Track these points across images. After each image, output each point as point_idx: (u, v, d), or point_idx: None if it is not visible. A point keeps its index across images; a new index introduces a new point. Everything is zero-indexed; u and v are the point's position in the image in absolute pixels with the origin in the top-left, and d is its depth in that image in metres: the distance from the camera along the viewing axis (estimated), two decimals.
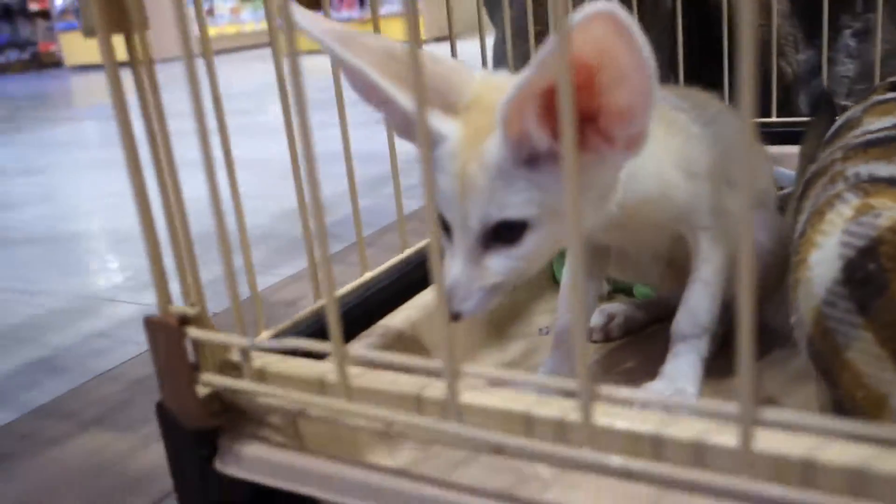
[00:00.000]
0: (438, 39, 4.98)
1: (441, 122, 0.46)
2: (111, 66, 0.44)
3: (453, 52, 0.75)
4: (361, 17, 5.87)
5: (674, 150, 0.55)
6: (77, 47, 6.25)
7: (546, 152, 0.43)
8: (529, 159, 0.44)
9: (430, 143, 0.32)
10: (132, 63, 0.45)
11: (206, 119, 0.42)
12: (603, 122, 0.42)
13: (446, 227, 0.47)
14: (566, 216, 0.46)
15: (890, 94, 0.68)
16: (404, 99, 0.45)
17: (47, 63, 6.87)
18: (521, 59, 0.96)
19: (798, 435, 0.33)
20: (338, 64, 0.43)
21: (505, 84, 0.48)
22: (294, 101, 0.37)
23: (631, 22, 0.35)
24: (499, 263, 0.46)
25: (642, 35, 0.36)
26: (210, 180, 0.42)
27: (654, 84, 0.38)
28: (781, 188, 0.89)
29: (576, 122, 0.43)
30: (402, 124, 0.50)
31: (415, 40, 0.32)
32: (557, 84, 0.39)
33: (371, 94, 0.48)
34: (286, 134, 0.53)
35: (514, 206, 0.44)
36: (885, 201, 0.45)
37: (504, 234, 0.45)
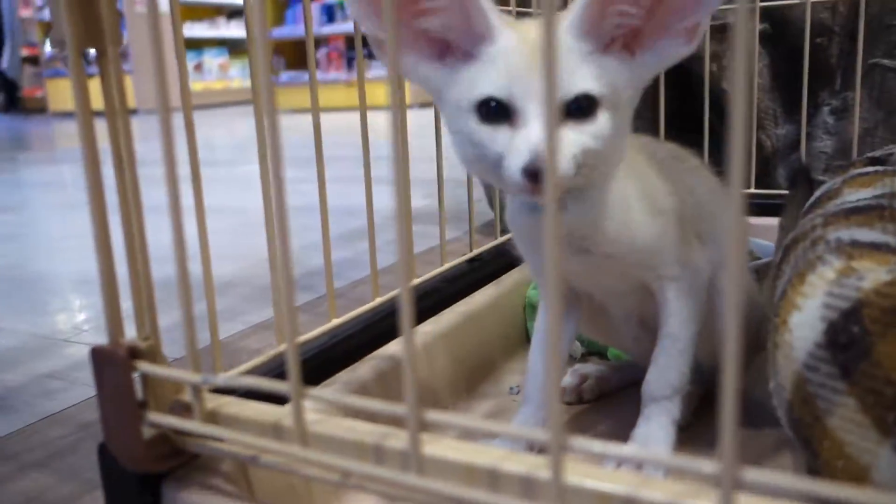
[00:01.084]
0: (423, 105, 5.05)
1: (495, 15, 0.48)
2: (79, 83, 0.43)
3: (438, 117, 0.76)
4: (349, 79, 5.93)
5: (641, 189, 0.55)
6: (63, 94, 6.25)
7: (613, 40, 0.48)
8: (598, 47, 0.48)
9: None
10: (103, 79, 0.44)
11: (176, 162, 0.40)
12: (663, 15, 0.48)
13: (504, 115, 0.47)
14: (625, 110, 0.50)
15: (870, 168, 0.68)
16: None
17: (32, 108, 6.87)
18: None
19: (781, 501, 0.31)
20: None
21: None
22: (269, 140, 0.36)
23: None
24: (575, 136, 0.47)
25: None
26: (173, 206, 0.40)
27: None
28: (758, 258, 0.89)
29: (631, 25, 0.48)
30: (416, 38, 0.50)
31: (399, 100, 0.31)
32: None
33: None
34: (261, 184, 0.52)
35: (593, 79, 0.47)
36: (868, 264, 0.44)
37: (576, 113, 0.47)
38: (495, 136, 0.47)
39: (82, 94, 0.43)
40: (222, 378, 0.39)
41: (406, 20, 0.49)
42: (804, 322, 0.44)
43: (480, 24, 0.47)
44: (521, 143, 0.45)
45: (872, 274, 0.42)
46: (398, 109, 0.33)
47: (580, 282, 0.60)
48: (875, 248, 0.48)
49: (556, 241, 0.30)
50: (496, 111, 0.47)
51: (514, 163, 0.45)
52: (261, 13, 0.39)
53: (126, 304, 0.43)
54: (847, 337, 0.41)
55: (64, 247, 1.65)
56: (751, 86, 1.00)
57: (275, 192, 0.36)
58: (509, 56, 0.47)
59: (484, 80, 0.47)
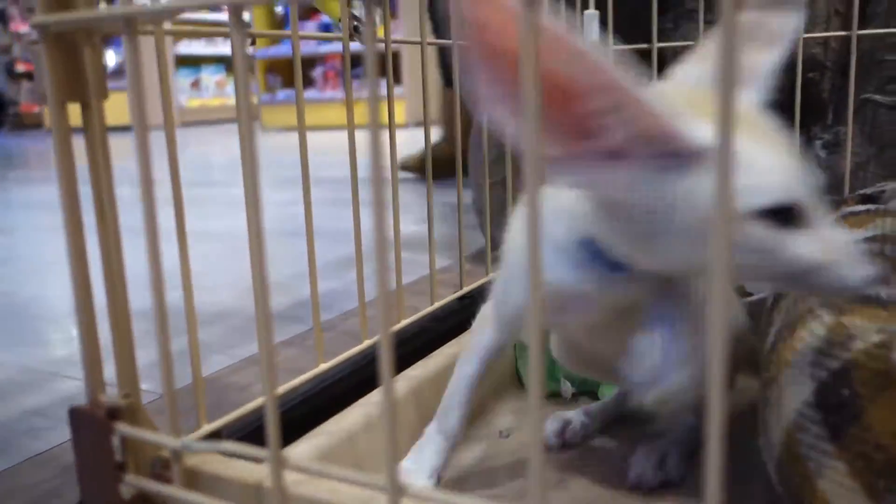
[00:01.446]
0: (418, 124, 5.08)
1: (688, 122, 0.41)
2: (61, 137, 0.42)
3: (427, 137, 0.78)
4: (345, 97, 5.94)
5: None
6: None
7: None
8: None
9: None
10: (86, 131, 0.44)
11: (153, 183, 0.40)
12: None
13: (790, 217, 0.43)
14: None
15: (861, 207, 0.68)
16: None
17: (29, 124, 6.89)
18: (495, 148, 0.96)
19: None
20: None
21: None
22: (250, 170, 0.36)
23: None
24: None
25: None
26: (151, 244, 0.40)
27: None
28: (751, 294, 0.88)
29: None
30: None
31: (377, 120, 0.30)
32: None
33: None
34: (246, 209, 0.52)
35: None
36: (859, 321, 0.43)
37: None
38: (797, 243, 0.43)
39: (65, 150, 0.43)
40: (201, 444, 0.39)
41: (573, 142, 0.40)
42: (794, 380, 0.44)
43: (673, 144, 0.41)
44: (845, 249, 0.44)
45: (863, 333, 0.42)
46: (376, 128, 0.32)
47: (587, 341, 0.60)
48: (866, 301, 0.47)
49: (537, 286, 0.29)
50: (782, 214, 0.43)
51: (856, 273, 0.43)
52: (241, 43, 0.39)
53: (105, 336, 0.43)
54: (837, 399, 0.40)
55: (57, 271, 1.64)
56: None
57: (255, 250, 0.35)
58: (759, 159, 0.42)
59: (757, 188, 0.42)
